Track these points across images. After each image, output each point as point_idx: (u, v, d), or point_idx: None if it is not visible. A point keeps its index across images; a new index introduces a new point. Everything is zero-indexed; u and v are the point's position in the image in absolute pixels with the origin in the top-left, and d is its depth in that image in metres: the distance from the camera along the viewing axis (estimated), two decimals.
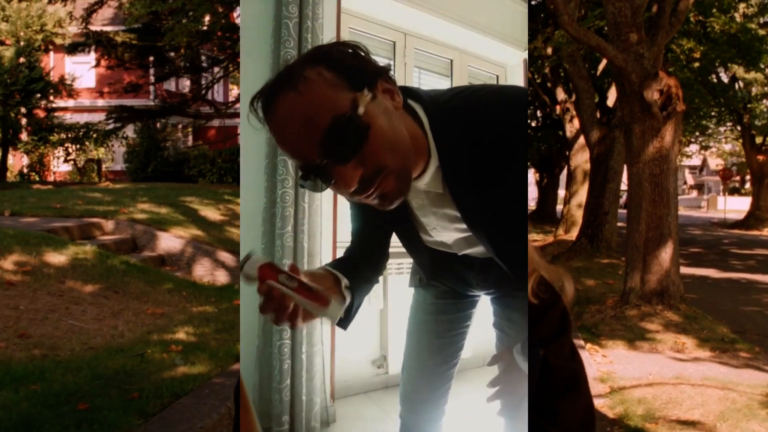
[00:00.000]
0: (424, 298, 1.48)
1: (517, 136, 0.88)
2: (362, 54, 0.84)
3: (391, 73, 0.88)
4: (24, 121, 14.17)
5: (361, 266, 1.14)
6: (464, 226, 1.06)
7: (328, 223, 2.82)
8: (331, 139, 0.77)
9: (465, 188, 0.96)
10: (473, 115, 0.90)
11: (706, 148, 28.60)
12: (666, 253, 4.65)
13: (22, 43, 13.63)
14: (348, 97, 0.79)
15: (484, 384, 1.20)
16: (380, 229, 1.24)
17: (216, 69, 14.87)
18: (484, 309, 1.51)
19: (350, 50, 0.84)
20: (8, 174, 14.28)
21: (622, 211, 7.05)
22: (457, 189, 0.97)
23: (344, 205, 1.29)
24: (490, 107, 0.90)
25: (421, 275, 1.45)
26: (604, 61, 9.68)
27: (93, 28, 13.23)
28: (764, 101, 16.43)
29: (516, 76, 4.36)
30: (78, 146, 14.38)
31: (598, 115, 9.58)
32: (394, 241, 1.28)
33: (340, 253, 2.80)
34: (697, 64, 12.18)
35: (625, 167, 6.78)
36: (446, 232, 1.15)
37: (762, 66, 13.40)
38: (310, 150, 0.78)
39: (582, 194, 10.45)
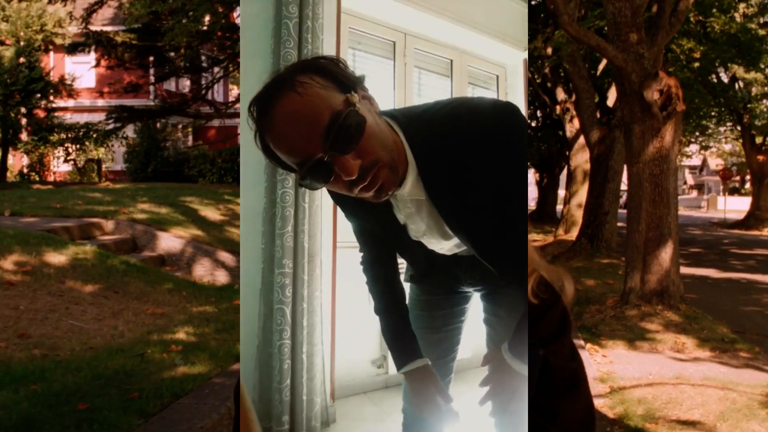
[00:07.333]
0: (418, 295, 1.52)
1: (486, 142, 0.97)
2: (342, 65, 0.93)
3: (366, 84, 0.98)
4: (24, 121, 14.17)
5: (401, 306, 1.38)
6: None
7: (328, 223, 2.82)
8: (332, 132, 0.84)
9: (443, 194, 1.04)
10: (443, 125, 0.99)
11: (706, 148, 28.61)
12: (666, 253, 4.65)
13: (22, 43, 13.63)
14: (341, 97, 0.87)
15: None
16: (381, 239, 1.33)
17: (216, 69, 14.87)
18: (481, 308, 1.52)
19: (332, 60, 0.93)
20: (8, 174, 14.27)
21: (622, 211, 7.04)
22: (436, 195, 1.05)
23: None
24: (458, 117, 0.99)
25: (413, 272, 1.50)
26: (604, 61, 9.68)
27: (93, 28, 13.23)
28: (764, 101, 16.42)
29: (516, 76, 4.35)
30: (78, 146, 14.38)
31: (598, 115, 9.57)
32: None
33: (340, 253, 2.84)
34: (697, 64, 12.18)
35: (625, 167, 6.78)
36: (436, 236, 1.19)
37: (762, 66, 13.40)
38: (312, 145, 0.85)
39: (582, 194, 10.45)
